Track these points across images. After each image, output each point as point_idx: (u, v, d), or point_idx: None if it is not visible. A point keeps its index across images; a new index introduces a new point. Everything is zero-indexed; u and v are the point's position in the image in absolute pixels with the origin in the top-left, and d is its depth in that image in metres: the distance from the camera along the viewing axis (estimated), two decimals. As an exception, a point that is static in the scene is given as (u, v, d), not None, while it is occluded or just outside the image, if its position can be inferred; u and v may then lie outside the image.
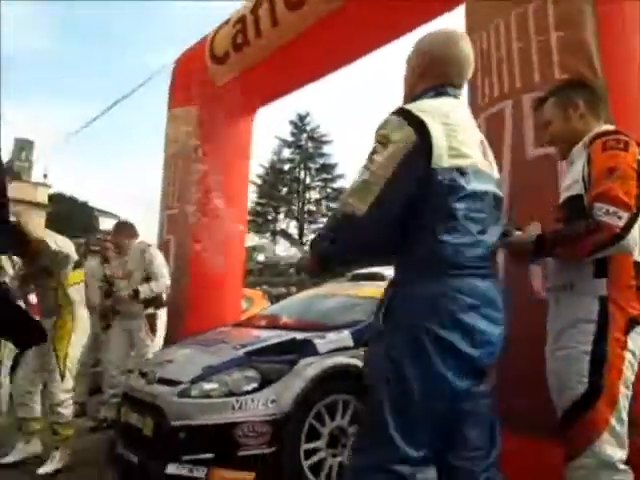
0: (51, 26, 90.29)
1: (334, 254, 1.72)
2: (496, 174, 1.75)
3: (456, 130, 1.59)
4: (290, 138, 36.50)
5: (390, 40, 4.27)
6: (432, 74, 1.75)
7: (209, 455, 2.86)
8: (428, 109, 1.61)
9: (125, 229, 4.88)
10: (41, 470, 3.41)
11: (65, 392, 3.62)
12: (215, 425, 2.90)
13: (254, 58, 4.99)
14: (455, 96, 1.76)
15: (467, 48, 1.77)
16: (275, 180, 36.40)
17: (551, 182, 2.40)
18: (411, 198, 1.57)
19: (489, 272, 1.63)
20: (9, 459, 3.65)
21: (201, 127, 5.68)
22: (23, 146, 41.10)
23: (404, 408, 1.53)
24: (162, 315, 4.76)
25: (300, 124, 36.15)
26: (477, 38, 2.92)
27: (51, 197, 33.98)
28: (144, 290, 4.47)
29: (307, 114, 35.93)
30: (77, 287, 3.84)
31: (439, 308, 1.53)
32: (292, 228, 36.61)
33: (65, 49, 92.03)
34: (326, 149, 35.64)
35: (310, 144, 36.39)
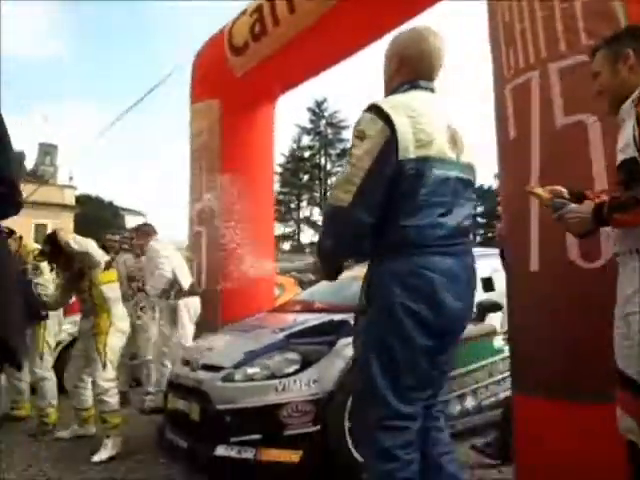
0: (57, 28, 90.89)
1: (331, 248, 1.88)
2: (464, 158, 1.89)
3: (421, 122, 1.76)
4: (309, 125, 36.51)
5: (409, 19, 4.21)
6: (406, 69, 1.96)
7: (256, 436, 2.96)
8: (396, 104, 1.80)
9: (143, 230, 5.23)
10: (95, 458, 3.56)
11: (107, 381, 3.77)
12: (260, 407, 2.99)
13: (273, 46, 5.00)
14: (428, 88, 1.95)
15: (437, 43, 1.95)
16: (296, 168, 36.51)
17: (582, 150, 2.38)
18: (388, 186, 1.74)
19: (455, 250, 1.80)
20: (63, 434, 4.13)
21: (223, 120, 5.75)
22: (47, 151, 41.89)
23: (390, 370, 1.75)
24: (187, 304, 4.91)
25: (318, 110, 36.08)
26: (499, 10, 2.90)
27: (78, 199, 34.56)
28: (148, 288, 4.75)
29: (324, 100, 35.87)
30: (111, 285, 4.03)
31: (408, 284, 1.73)
32: (315, 215, 36.63)
33: (80, 50, 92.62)
34: (345, 134, 35.60)
35: (329, 130, 36.35)
